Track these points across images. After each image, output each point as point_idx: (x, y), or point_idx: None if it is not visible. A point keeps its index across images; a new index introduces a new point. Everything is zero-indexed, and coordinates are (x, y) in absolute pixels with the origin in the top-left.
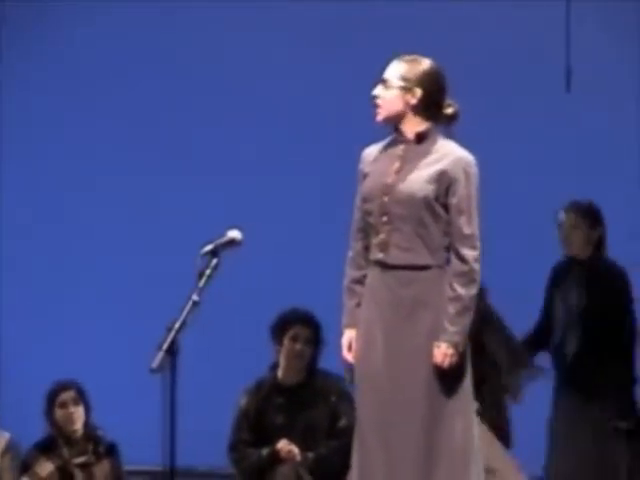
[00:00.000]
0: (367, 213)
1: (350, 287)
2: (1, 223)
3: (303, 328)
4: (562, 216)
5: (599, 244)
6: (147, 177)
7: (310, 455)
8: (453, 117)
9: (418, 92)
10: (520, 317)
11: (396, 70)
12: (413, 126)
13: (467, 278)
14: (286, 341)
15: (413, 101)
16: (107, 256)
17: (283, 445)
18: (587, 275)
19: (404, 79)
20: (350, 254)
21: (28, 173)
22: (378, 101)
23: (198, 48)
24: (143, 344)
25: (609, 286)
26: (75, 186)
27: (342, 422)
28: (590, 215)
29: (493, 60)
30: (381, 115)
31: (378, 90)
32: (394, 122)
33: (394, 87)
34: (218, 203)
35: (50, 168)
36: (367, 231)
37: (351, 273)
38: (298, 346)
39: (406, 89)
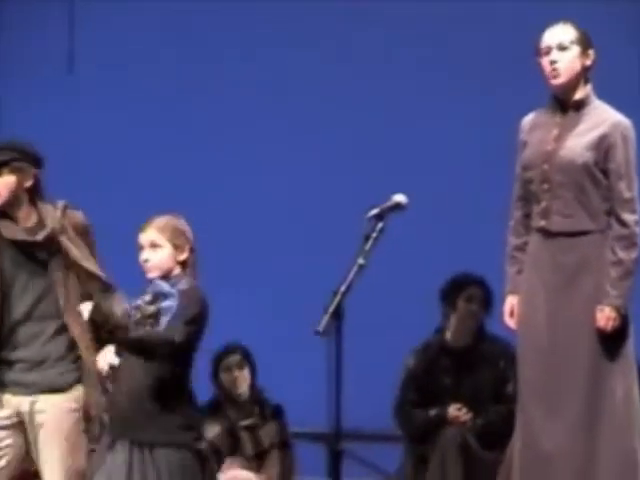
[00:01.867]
0: (528, 181)
1: (512, 254)
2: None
3: (478, 289)
4: None
5: None
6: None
7: (479, 421)
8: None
9: (592, 54)
10: None
11: (567, 35)
12: (578, 92)
13: (628, 242)
14: (460, 302)
15: (588, 62)
16: (272, 219)
17: (453, 410)
18: None
19: (579, 42)
20: (511, 222)
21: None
22: (558, 65)
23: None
24: (309, 307)
25: None
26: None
27: (509, 387)
28: None
29: None
30: (562, 78)
31: (555, 55)
32: (569, 86)
33: (572, 50)
34: (379, 168)
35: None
36: (528, 199)
37: (512, 241)
38: (473, 306)
39: (582, 51)
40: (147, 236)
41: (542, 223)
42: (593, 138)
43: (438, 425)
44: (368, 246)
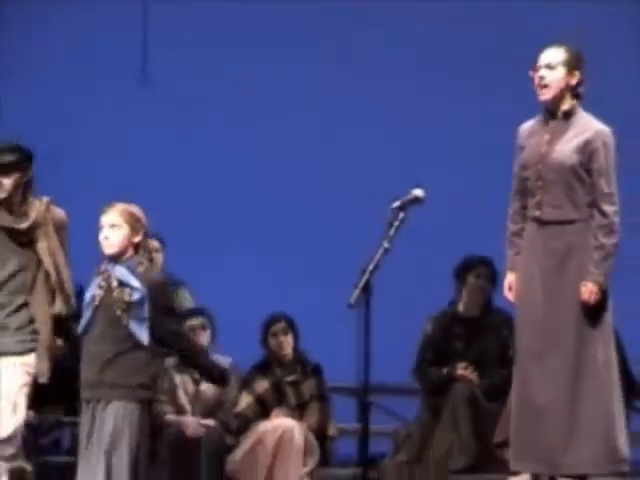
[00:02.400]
0: (525, 179)
1: (510, 239)
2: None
3: (485, 268)
4: None
5: None
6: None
7: (484, 382)
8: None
9: (577, 74)
10: None
11: (557, 57)
12: (564, 104)
13: (608, 229)
14: (470, 278)
15: (573, 81)
16: (308, 198)
17: (461, 368)
18: None
19: (566, 63)
20: (510, 212)
21: None
22: (545, 82)
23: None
24: (342, 281)
25: None
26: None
27: (511, 352)
28: None
29: None
30: (548, 94)
31: (543, 73)
32: (555, 100)
33: (559, 70)
34: (407, 155)
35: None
36: (524, 193)
37: (511, 227)
38: (481, 282)
39: (568, 71)
40: (108, 217)
41: (536, 213)
42: (579, 143)
43: (449, 381)
44: (392, 232)
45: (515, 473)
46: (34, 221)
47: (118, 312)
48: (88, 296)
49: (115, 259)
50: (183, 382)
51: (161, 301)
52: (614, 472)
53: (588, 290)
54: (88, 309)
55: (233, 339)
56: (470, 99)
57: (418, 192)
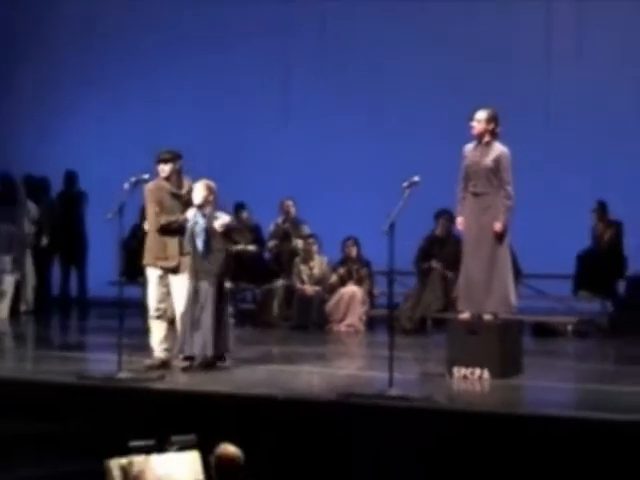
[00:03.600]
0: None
1: (460, 200)
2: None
3: (447, 214)
4: None
5: None
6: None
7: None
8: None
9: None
10: None
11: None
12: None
13: (510, 201)
14: (441, 220)
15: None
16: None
17: (434, 263)
18: None
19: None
20: (460, 187)
21: None
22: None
23: None
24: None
25: None
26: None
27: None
28: None
29: None
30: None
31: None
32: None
33: (483, 122)
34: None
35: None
36: (467, 178)
37: (459, 194)
38: (445, 222)
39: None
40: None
41: (472, 189)
42: (494, 156)
43: (430, 268)
44: (405, 196)
45: (461, 312)
46: (187, 191)
47: None
48: None
49: None
50: (303, 268)
51: None
52: (508, 312)
53: (497, 225)
54: None
55: (334, 248)
56: None
57: (416, 178)
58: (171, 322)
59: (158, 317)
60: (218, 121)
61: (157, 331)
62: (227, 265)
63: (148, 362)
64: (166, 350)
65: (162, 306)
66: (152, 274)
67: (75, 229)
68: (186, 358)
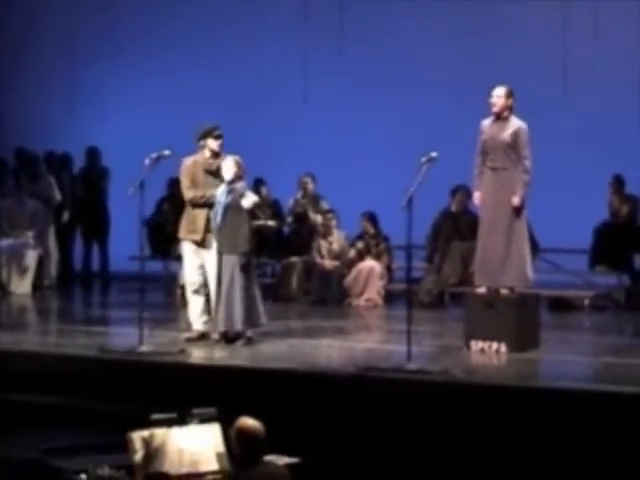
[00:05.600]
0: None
1: (477, 175)
2: None
3: (464, 189)
4: None
5: None
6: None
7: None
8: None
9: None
10: None
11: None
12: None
13: (526, 174)
14: (458, 196)
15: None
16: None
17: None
18: None
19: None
20: (477, 161)
21: None
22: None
23: None
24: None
25: None
26: None
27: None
28: None
29: None
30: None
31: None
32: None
33: (503, 97)
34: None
35: None
36: (484, 153)
37: (477, 169)
38: (461, 197)
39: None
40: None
41: (490, 164)
42: (512, 131)
43: (448, 243)
44: (423, 170)
45: (478, 286)
46: (218, 166)
47: None
48: None
49: None
50: (323, 243)
51: None
52: (525, 286)
53: (516, 199)
54: None
55: (353, 224)
56: None
57: (434, 154)
58: (208, 295)
59: (195, 291)
60: (237, 98)
61: (194, 304)
62: (253, 241)
63: (186, 335)
64: (205, 323)
65: (197, 279)
66: (186, 248)
67: (97, 205)
68: (220, 333)
